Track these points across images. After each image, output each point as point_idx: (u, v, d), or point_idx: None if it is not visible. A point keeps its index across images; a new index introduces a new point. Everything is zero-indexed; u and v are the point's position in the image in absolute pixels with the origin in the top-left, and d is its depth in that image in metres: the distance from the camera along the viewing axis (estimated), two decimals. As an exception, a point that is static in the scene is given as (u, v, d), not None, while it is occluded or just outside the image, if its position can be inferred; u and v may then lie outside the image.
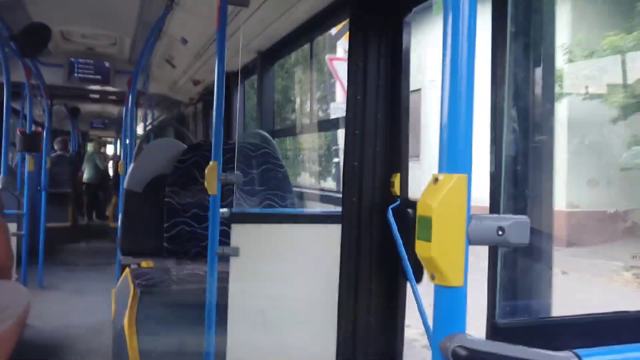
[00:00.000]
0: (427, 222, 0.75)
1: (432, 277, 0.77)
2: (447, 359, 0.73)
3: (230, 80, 4.74)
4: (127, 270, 3.41)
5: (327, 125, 4.14)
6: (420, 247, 0.77)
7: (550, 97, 1.30)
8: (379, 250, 2.46)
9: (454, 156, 0.75)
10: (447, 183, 0.75)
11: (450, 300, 0.76)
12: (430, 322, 1.83)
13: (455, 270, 0.75)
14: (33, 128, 5.62)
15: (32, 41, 4.30)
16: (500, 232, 0.76)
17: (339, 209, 2.55)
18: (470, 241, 0.76)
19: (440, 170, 0.77)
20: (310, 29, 3.58)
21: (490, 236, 0.76)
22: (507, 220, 0.77)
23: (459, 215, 0.75)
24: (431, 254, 0.75)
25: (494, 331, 1.03)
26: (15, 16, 4.45)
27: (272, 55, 4.32)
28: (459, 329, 0.76)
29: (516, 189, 1.17)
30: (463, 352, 0.72)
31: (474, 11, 0.76)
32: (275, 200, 3.45)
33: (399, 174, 2.41)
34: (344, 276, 2.44)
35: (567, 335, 1.02)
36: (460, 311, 0.76)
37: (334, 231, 2.46)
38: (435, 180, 0.76)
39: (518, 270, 1.18)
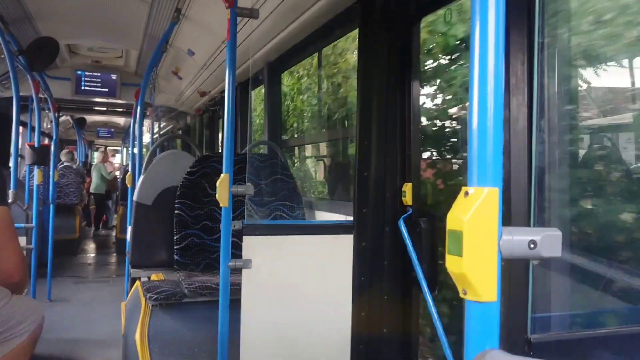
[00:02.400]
0: (458, 236, 0.74)
1: (464, 293, 0.76)
2: (481, 377, 0.72)
3: (237, 91, 4.75)
4: (137, 283, 3.40)
5: (338, 135, 4.13)
6: (451, 262, 0.76)
7: (574, 103, 1.29)
8: (391, 261, 2.44)
9: (484, 169, 0.74)
10: (478, 196, 0.73)
11: (482, 316, 0.74)
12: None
13: (488, 285, 0.74)
14: (41, 141, 5.64)
15: (41, 55, 4.33)
16: (532, 246, 0.75)
17: (350, 218, 2.54)
18: (502, 255, 0.75)
19: (470, 183, 0.76)
20: (318, 39, 3.58)
21: (522, 250, 0.75)
22: (539, 233, 0.75)
23: (490, 229, 0.74)
24: (462, 269, 0.73)
25: (528, 346, 1.01)
26: (24, 31, 4.49)
27: (279, 66, 4.32)
28: (492, 345, 0.74)
29: (545, 199, 1.16)
30: (498, 369, 0.70)
31: (501, 22, 0.75)
32: (284, 211, 3.44)
33: (410, 184, 2.40)
34: (357, 287, 2.42)
35: (603, 351, 1.00)
36: (493, 326, 0.75)
37: (346, 241, 2.44)
38: (466, 193, 0.75)
39: (546, 283, 1.16)
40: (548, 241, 0.76)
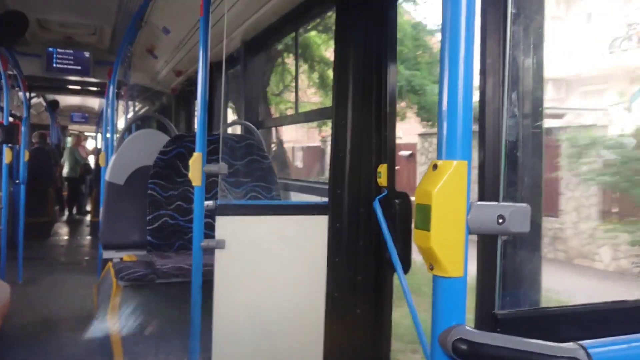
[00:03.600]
0: (426, 210, 0.72)
1: (431, 268, 0.74)
2: (447, 352, 0.71)
3: (213, 71, 4.67)
4: (109, 264, 3.35)
5: (314, 116, 4.09)
6: (418, 236, 0.74)
7: (540, 84, 1.28)
8: (365, 241, 2.44)
9: (454, 142, 0.73)
10: (447, 169, 0.72)
11: (449, 291, 0.73)
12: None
13: (455, 260, 0.72)
14: (11, 120, 5.49)
15: (8, 30, 4.18)
16: (500, 221, 0.74)
17: (325, 199, 2.53)
18: (470, 230, 0.74)
19: (439, 156, 0.74)
20: (295, 19, 3.53)
21: (491, 225, 0.74)
22: (508, 208, 0.74)
23: (459, 203, 0.73)
24: (430, 243, 0.72)
25: (493, 322, 1.00)
26: (-10, 4, 4.33)
27: (256, 45, 4.25)
28: (459, 321, 0.73)
29: (514, 177, 1.15)
30: (464, 345, 0.69)
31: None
32: (260, 192, 3.41)
33: (385, 165, 2.39)
34: (331, 267, 2.42)
35: (569, 326, 1.00)
36: (460, 302, 0.74)
37: (321, 222, 2.43)
38: (435, 166, 0.74)
39: (510, 259, 1.16)
40: (517, 216, 0.75)
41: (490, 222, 0.74)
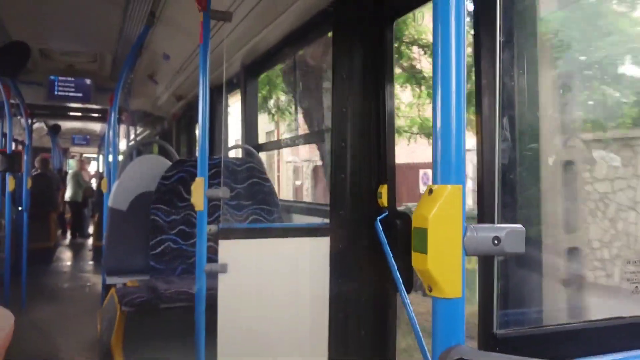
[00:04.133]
0: (423, 233, 0.74)
1: (429, 289, 0.76)
2: (447, 373, 0.72)
3: (213, 95, 4.72)
4: (112, 290, 3.35)
5: (313, 137, 4.13)
6: (416, 259, 0.76)
7: (535, 104, 1.31)
8: (368, 262, 2.45)
9: (448, 167, 0.75)
10: (442, 194, 0.74)
11: (448, 312, 0.75)
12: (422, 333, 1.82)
13: (453, 281, 0.74)
14: (13, 147, 5.54)
15: (11, 60, 4.25)
16: (496, 242, 0.76)
17: (326, 221, 2.54)
18: (467, 252, 0.75)
19: (435, 181, 0.76)
20: (294, 42, 3.58)
21: (486, 246, 0.76)
22: (503, 229, 0.76)
23: (455, 226, 0.75)
24: (427, 266, 0.74)
25: (492, 342, 1.02)
26: (-7, 35, 4.41)
27: (255, 69, 4.31)
28: (459, 341, 0.75)
29: (510, 198, 1.17)
30: (463, 365, 0.71)
31: (462, 22, 0.76)
32: (262, 215, 3.42)
33: (385, 185, 2.41)
34: (334, 288, 2.42)
35: (569, 344, 1.01)
36: (459, 322, 0.75)
37: (323, 244, 2.44)
38: (430, 191, 0.76)
39: (510, 278, 1.17)
40: (512, 237, 0.77)
41: (486, 243, 0.76)
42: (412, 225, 0.78)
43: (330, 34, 2.90)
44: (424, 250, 0.74)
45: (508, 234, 0.76)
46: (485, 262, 1.14)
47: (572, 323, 1.10)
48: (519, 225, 0.78)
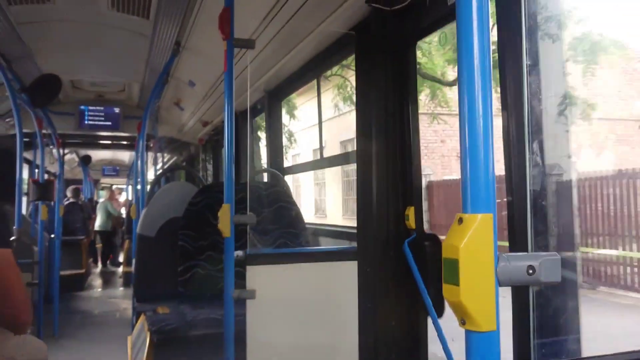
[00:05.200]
0: (454, 264, 0.72)
1: (463, 322, 0.74)
2: (484, 409, 0.69)
3: (238, 120, 4.78)
4: (142, 317, 3.37)
5: (338, 160, 4.12)
6: (447, 291, 0.74)
7: (564, 126, 1.28)
8: (397, 285, 2.41)
9: (477, 195, 0.73)
10: (472, 223, 0.72)
11: (483, 346, 0.72)
12: (455, 358, 1.77)
13: (487, 314, 0.72)
14: (45, 177, 5.67)
15: (43, 92, 4.38)
16: (530, 271, 0.73)
17: (354, 243, 2.52)
18: (500, 282, 0.73)
19: (464, 210, 0.74)
20: (316, 66, 3.61)
21: (521, 276, 0.73)
22: (537, 258, 0.74)
23: (487, 256, 0.72)
24: (460, 298, 0.71)
25: None
26: (26, 68, 4.55)
27: (279, 93, 4.35)
28: (495, 376, 0.72)
29: (543, 225, 1.14)
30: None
31: (487, 47, 0.75)
32: (289, 239, 3.42)
33: (412, 207, 2.38)
34: (363, 313, 2.39)
35: None
36: (495, 356, 0.73)
37: (351, 268, 2.41)
38: (460, 220, 0.74)
39: (545, 308, 1.13)
40: (547, 266, 0.74)
41: (520, 273, 0.73)
42: (442, 255, 0.75)
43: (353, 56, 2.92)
44: (455, 282, 0.72)
45: (543, 262, 0.74)
46: (518, 291, 1.10)
47: (612, 354, 1.05)
48: (554, 253, 0.75)
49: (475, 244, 0.72)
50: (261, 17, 2.90)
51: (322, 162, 4.04)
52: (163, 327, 2.84)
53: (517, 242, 1.10)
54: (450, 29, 2.44)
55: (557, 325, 1.14)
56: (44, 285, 5.31)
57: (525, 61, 1.21)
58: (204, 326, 2.84)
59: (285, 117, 9.12)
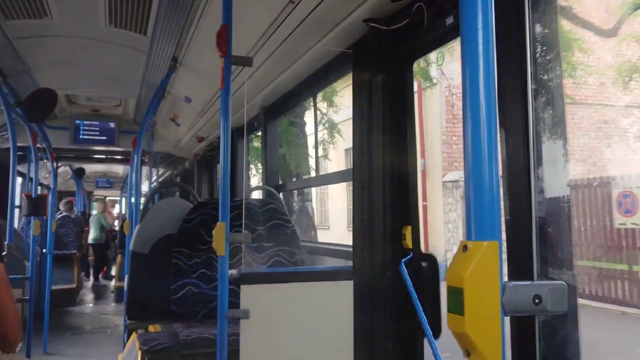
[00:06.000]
0: (459, 294, 0.70)
1: (467, 354, 0.71)
2: None
3: (234, 137, 4.76)
4: (134, 335, 3.31)
5: (334, 178, 4.10)
6: (452, 321, 0.72)
7: (564, 152, 1.26)
8: (393, 305, 2.38)
9: (482, 222, 0.71)
10: (478, 251, 0.70)
11: (488, 380, 0.70)
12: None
13: (492, 345, 0.69)
14: (39, 191, 5.62)
15: (39, 107, 4.35)
16: (537, 301, 0.71)
17: (349, 263, 2.49)
18: (506, 312, 0.71)
19: (469, 237, 0.72)
20: (313, 84, 3.61)
21: (527, 306, 0.71)
22: (543, 287, 0.72)
23: (492, 285, 0.70)
24: (465, 329, 0.69)
25: None
26: (21, 82, 4.53)
27: (275, 111, 4.35)
28: (501, 411, 0.69)
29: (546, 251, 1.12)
30: None
31: (492, 71, 0.73)
32: (284, 257, 3.38)
33: (409, 227, 2.36)
34: (359, 333, 2.35)
35: None
36: (501, 391, 0.70)
37: (347, 287, 2.39)
38: (465, 247, 0.72)
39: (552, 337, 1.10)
40: (554, 295, 0.72)
41: (526, 302, 0.71)
42: (447, 284, 0.73)
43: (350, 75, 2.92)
44: (460, 311, 0.70)
45: (549, 291, 0.72)
46: (519, 320, 1.07)
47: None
48: (561, 282, 0.73)
49: (480, 272, 0.70)
50: (259, 35, 2.90)
51: (318, 180, 4.02)
52: (155, 347, 2.79)
53: (518, 270, 1.07)
54: (448, 48, 2.44)
55: (563, 356, 1.11)
56: (35, 300, 5.24)
57: (530, 85, 1.20)
58: (196, 346, 2.79)
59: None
